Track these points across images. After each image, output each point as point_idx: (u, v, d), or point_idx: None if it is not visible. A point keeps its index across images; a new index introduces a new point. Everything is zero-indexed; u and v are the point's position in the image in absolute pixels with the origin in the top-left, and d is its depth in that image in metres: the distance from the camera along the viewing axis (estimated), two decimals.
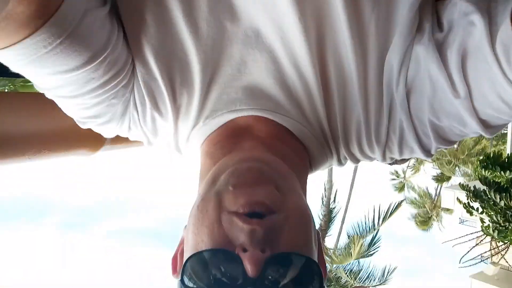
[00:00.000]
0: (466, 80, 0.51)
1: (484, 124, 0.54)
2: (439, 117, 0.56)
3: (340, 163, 0.70)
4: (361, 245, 8.31)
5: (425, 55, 0.55)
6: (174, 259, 0.59)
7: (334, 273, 8.40)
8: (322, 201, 9.09)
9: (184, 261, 0.50)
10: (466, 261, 5.34)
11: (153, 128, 0.65)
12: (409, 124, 0.59)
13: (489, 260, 5.78)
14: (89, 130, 0.63)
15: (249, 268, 0.45)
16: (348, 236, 8.79)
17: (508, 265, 5.63)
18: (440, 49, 0.54)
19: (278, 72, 0.59)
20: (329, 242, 9.06)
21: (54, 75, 0.52)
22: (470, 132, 0.58)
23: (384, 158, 0.65)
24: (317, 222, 8.62)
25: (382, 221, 8.73)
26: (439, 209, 19.09)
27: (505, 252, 5.14)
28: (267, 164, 0.56)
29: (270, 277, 0.47)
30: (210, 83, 0.60)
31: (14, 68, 0.51)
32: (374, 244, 8.68)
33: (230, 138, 0.62)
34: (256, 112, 0.61)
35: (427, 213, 20.09)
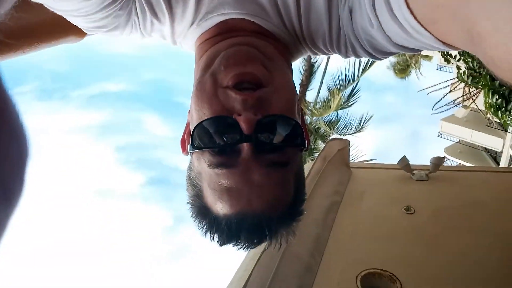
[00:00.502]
0: (376, 14, 0.56)
1: (403, 48, 0.60)
2: (371, 36, 0.61)
3: (315, 55, 0.79)
4: (341, 97, 8.55)
5: None
6: (182, 140, 0.72)
7: (314, 125, 8.84)
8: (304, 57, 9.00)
9: (191, 131, 0.62)
10: (439, 108, 5.60)
11: (151, 30, 0.72)
12: (356, 41, 0.66)
13: (461, 105, 6.06)
14: None
15: (244, 126, 0.56)
16: (329, 89, 8.96)
17: (477, 108, 5.94)
18: None
19: None
20: (310, 96, 9.27)
21: (74, 4, 0.58)
22: (396, 52, 0.63)
23: (348, 58, 0.73)
24: (299, 77, 8.68)
25: (362, 72, 8.81)
26: (419, 57, 19.24)
27: (476, 97, 5.38)
28: (255, 46, 0.65)
29: (262, 134, 0.58)
30: None
31: (48, 5, 0.58)
32: (354, 95, 8.93)
33: (220, 34, 0.69)
34: (243, 16, 0.68)
35: (406, 61, 20.29)
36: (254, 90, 0.60)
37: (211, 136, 0.60)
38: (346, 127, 8.86)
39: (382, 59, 0.70)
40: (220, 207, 0.61)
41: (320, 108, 8.80)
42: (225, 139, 0.59)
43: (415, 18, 0.49)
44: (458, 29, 0.43)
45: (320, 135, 8.89)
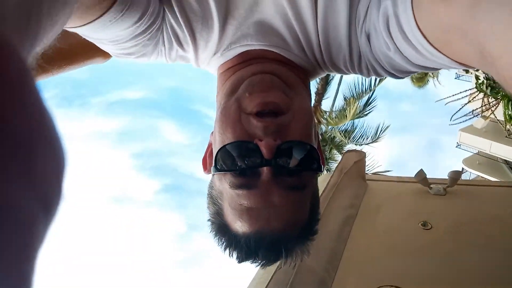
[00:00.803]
0: (392, 38, 0.58)
1: (423, 67, 0.61)
2: (390, 58, 0.62)
3: (335, 74, 0.82)
4: (357, 106, 8.48)
5: (374, 4, 0.61)
6: (204, 159, 0.77)
7: (329, 134, 8.79)
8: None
9: (215, 154, 0.65)
10: (458, 118, 5.53)
11: (176, 57, 0.76)
12: (376, 63, 0.67)
13: (479, 116, 5.96)
14: None
15: (264, 151, 0.60)
16: (345, 98, 8.90)
17: (496, 119, 5.84)
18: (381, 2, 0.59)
19: (284, 14, 0.68)
20: (326, 105, 9.23)
21: (107, 34, 0.62)
22: (417, 71, 0.64)
23: (370, 77, 0.77)
24: (314, 86, 8.65)
25: (379, 81, 8.74)
26: None
27: (495, 108, 5.30)
28: (277, 74, 0.68)
29: (281, 159, 0.61)
30: (225, 24, 0.69)
31: (83, 33, 0.61)
32: (370, 104, 8.85)
33: (243, 62, 0.73)
34: (265, 47, 0.71)
35: None
36: (275, 116, 0.64)
37: (234, 159, 0.63)
38: (362, 137, 8.78)
39: (404, 78, 0.71)
40: (240, 226, 0.63)
41: (335, 117, 8.74)
42: (246, 163, 0.62)
43: (428, 41, 0.50)
44: (471, 50, 0.44)
45: (336, 144, 8.83)
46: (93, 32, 0.60)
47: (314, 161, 0.66)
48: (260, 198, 0.62)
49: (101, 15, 0.55)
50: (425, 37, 0.51)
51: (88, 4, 0.52)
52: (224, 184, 0.65)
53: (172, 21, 0.69)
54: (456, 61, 0.50)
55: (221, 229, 0.68)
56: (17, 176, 0.13)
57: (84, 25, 0.56)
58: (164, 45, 0.72)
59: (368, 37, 0.65)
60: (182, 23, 0.69)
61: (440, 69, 0.62)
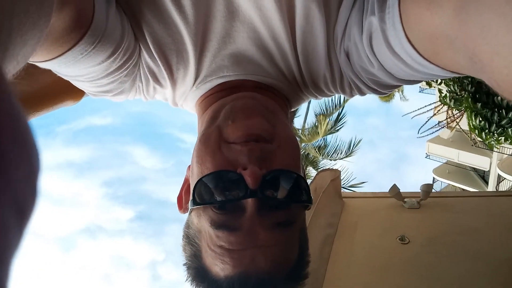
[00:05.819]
0: (375, 55, 0.57)
1: (406, 81, 0.60)
2: (373, 75, 0.61)
3: (316, 98, 0.79)
4: (327, 123, 8.64)
5: (354, 22, 0.60)
6: (180, 198, 0.70)
7: (303, 151, 8.87)
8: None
9: (192, 187, 0.59)
10: (425, 131, 5.69)
11: (154, 94, 0.74)
12: (358, 80, 0.66)
13: (445, 127, 6.16)
14: (70, 83, 0.67)
15: (250, 181, 0.53)
16: (316, 115, 9.06)
17: (462, 129, 6.04)
18: (363, 18, 0.58)
19: (259, 40, 0.66)
20: (298, 122, 9.36)
21: (81, 70, 0.59)
22: (400, 85, 0.63)
23: (353, 96, 0.74)
24: None
25: (347, 98, 8.93)
26: None
27: (460, 119, 5.49)
28: (258, 100, 0.65)
29: (267, 190, 0.55)
30: (200, 57, 0.67)
31: (56, 70, 0.59)
32: (340, 120, 9.04)
33: (222, 91, 0.70)
34: (242, 76, 0.69)
35: None
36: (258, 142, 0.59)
37: (214, 192, 0.57)
38: (336, 152, 8.93)
39: (388, 93, 0.69)
40: (221, 268, 0.56)
41: (308, 134, 8.86)
42: (228, 195, 0.56)
43: (419, 52, 0.49)
44: (460, 57, 0.43)
45: (310, 161, 8.92)
46: (64, 67, 0.56)
47: (304, 192, 0.59)
48: (244, 239, 0.55)
49: (71, 48, 0.52)
50: (415, 49, 0.49)
51: (56, 35, 0.48)
52: (203, 221, 0.58)
53: (146, 56, 0.66)
54: (447, 70, 0.49)
55: (199, 274, 0.60)
56: None
57: (54, 58, 0.52)
58: (142, 82, 0.69)
59: (348, 55, 0.64)
60: (157, 57, 0.66)
61: (424, 80, 0.62)
